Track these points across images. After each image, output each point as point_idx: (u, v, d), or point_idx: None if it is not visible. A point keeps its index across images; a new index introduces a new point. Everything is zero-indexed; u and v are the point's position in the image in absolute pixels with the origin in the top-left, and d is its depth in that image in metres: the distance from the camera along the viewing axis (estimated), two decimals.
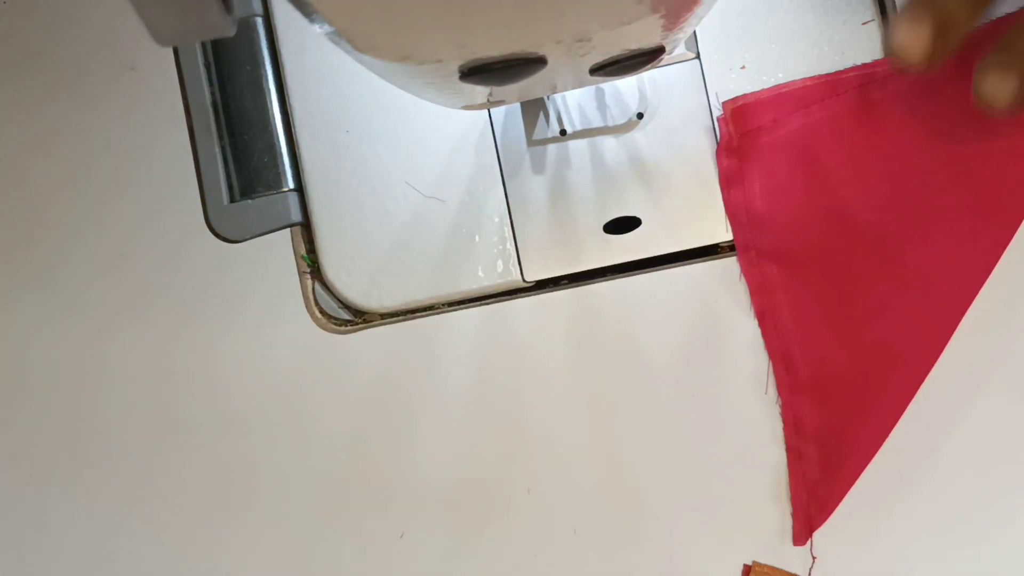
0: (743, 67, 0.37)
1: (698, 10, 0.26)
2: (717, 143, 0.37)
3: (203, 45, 0.41)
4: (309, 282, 0.39)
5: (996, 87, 0.30)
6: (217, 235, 0.39)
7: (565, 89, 0.36)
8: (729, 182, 0.36)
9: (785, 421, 0.36)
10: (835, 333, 0.35)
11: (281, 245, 0.39)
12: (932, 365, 0.34)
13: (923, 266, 0.34)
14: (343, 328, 0.39)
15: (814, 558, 0.36)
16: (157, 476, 0.39)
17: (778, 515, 0.36)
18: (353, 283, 0.38)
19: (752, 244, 0.36)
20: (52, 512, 0.39)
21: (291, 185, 0.40)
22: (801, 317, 0.36)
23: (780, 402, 0.36)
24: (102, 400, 0.39)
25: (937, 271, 0.34)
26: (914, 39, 0.29)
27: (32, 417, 0.40)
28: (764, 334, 0.36)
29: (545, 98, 0.38)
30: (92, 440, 0.39)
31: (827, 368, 0.35)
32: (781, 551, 0.36)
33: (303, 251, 0.39)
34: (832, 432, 0.35)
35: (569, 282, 0.38)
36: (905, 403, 0.35)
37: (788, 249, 0.36)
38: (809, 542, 0.36)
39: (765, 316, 0.36)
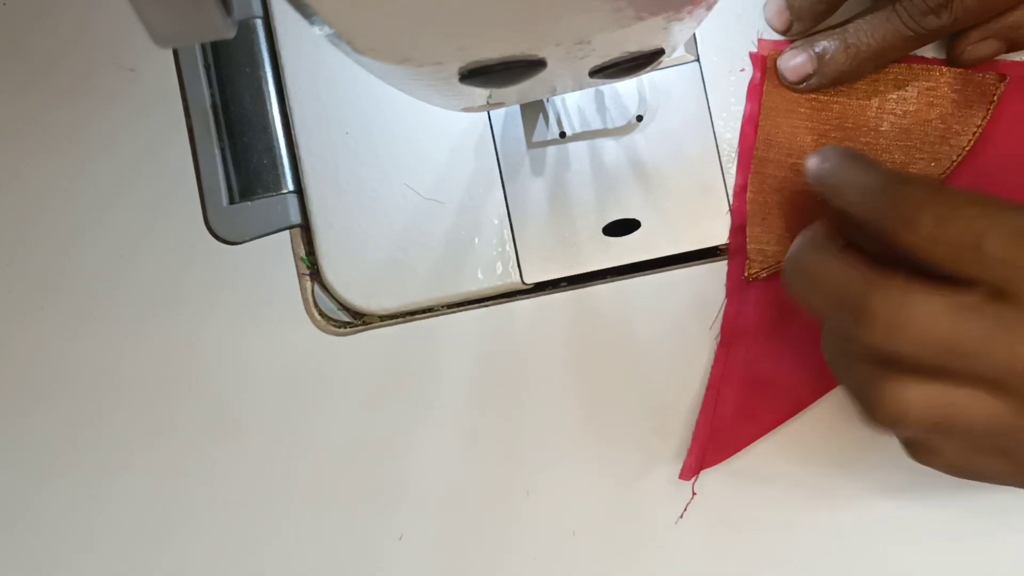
0: (742, 70, 0.37)
1: (697, 13, 0.26)
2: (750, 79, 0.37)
3: (203, 47, 0.41)
4: (308, 284, 0.39)
5: None
6: (216, 237, 0.39)
7: (564, 91, 0.36)
8: (750, 121, 0.37)
9: (716, 358, 0.36)
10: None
11: (280, 247, 0.39)
12: None
13: None
14: (342, 330, 0.39)
15: (694, 494, 0.36)
16: (156, 477, 0.39)
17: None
18: (352, 285, 0.38)
19: (749, 178, 0.37)
20: (53, 513, 0.39)
21: (290, 187, 0.40)
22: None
23: (719, 339, 0.36)
24: (102, 401, 0.39)
25: None
26: (776, 16, 0.35)
27: (31, 418, 0.39)
28: (730, 271, 0.37)
29: (544, 100, 0.38)
30: (92, 441, 0.39)
31: (772, 323, 0.36)
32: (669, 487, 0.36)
33: (302, 253, 0.39)
34: (755, 387, 0.36)
35: (568, 284, 0.38)
36: (830, 387, 0.36)
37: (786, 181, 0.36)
38: (694, 479, 0.36)
39: (735, 255, 0.37)
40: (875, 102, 0.36)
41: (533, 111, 0.38)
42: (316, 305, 0.39)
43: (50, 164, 0.40)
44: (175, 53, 0.40)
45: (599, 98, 0.38)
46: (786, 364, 0.36)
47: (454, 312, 0.38)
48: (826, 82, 0.35)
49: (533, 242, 0.38)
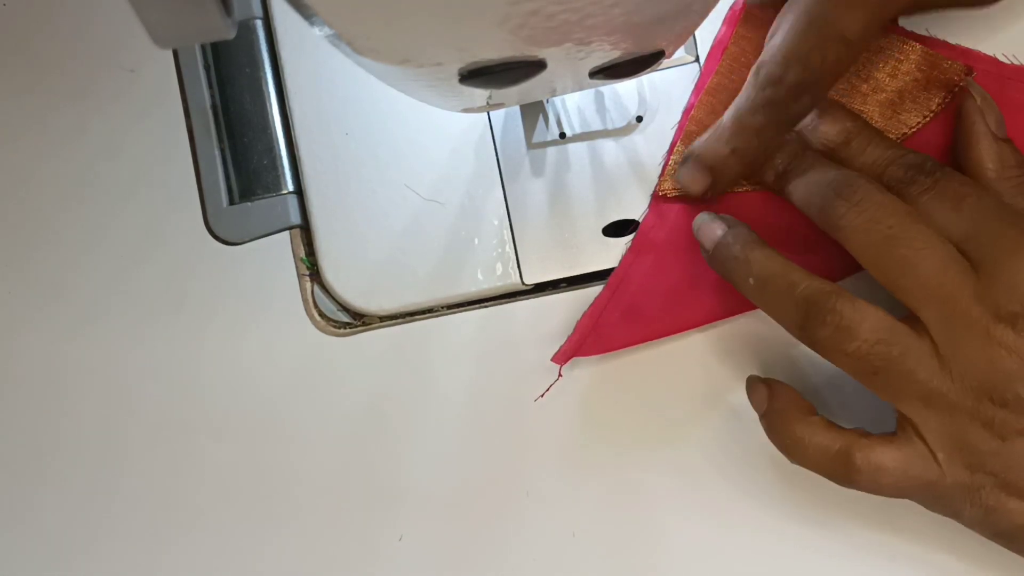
0: None
1: (697, 12, 0.26)
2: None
3: (203, 47, 0.41)
4: (308, 285, 0.39)
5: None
6: (216, 238, 0.39)
7: (564, 92, 0.36)
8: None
9: (622, 262, 0.37)
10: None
11: (280, 248, 0.39)
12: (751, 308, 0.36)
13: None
14: (342, 331, 0.39)
15: (560, 376, 0.37)
16: (155, 477, 0.39)
17: None
18: (352, 286, 0.38)
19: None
20: (55, 515, 0.39)
21: (290, 188, 0.40)
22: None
23: (628, 247, 0.37)
24: (101, 402, 0.39)
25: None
26: (692, 184, 0.35)
27: (31, 419, 0.39)
28: (654, 198, 0.37)
29: (544, 101, 0.38)
30: (92, 441, 0.39)
31: (680, 244, 0.36)
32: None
33: (302, 254, 0.39)
34: (649, 296, 0.36)
35: (568, 285, 0.38)
36: (717, 317, 0.36)
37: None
38: (562, 367, 0.37)
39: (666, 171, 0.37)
40: None
41: (533, 112, 0.38)
42: (316, 306, 0.39)
43: (50, 165, 0.40)
44: (175, 54, 0.40)
45: (599, 99, 0.38)
46: (684, 285, 0.36)
47: (454, 313, 0.38)
48: (728, 186, 0.36)
49: (533, 243, 0.38)
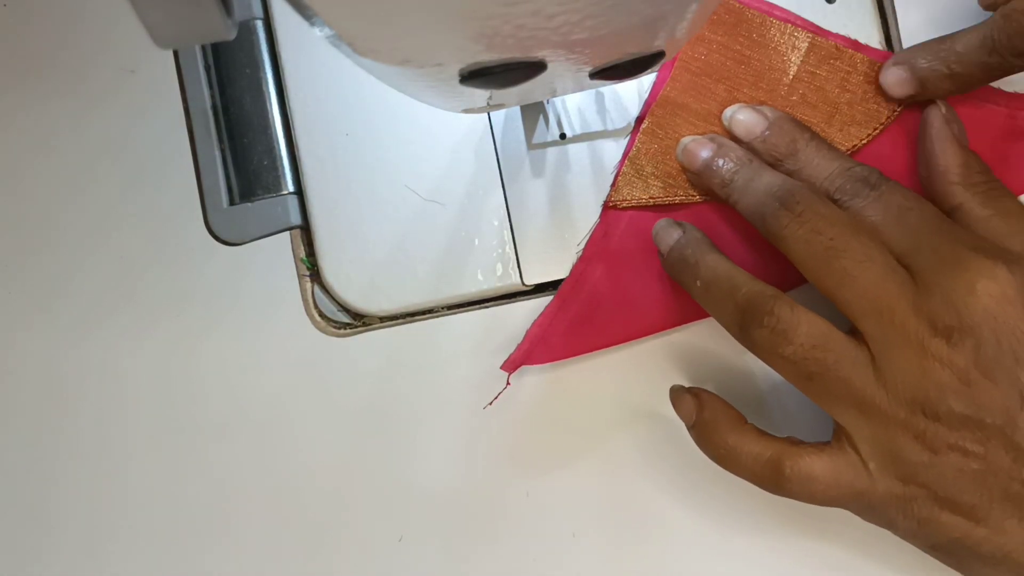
0: None
1: (697, 16, 0.26)
2: None
3: (203, 48, 0.41)
4: (308, 285, 0.39)
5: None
6: (216, 238, 0.39)
7: (565, 93, 0.36)
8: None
9: (572, 271, 0.37)
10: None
11: (280, 248, 0.39)
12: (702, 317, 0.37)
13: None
14: (342, 331, 0.39)
15: (508, 384, 0.37)
16: (155, 478, 0.39)
17: None
18: (352, 286, 0.38)
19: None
20: (56, 516, 0.39)
21: (291, 188, 0.40)
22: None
23: (580, 253, 0.37)
24: (101, 402, 0.39)
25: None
26: (897, 87, 0.35)
27: (31, 420, 0.39)
28: (610, 194, 0.37)
29: (545, 102, 0.38)
30: (90, 443, 0.39)
31: (631, 253, 0.37)
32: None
33: (302, 254, 0.39)
34: (598, 305, 0.37)
35: None
36: (666, 325, 0.37)
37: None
38: (510, 375, 0.37)
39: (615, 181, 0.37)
40: (793, 70, 0.36)
41: (533, 112, 0.38)
42: (316, 306, 0.39)
43: (50, 165, 0.40)
44: (175, 54, 0.40)
45: (599, 100, 0.38)
46: (633, 293, 0.36)
47: (454, 313, 0.38)
48: (928, 96, 0.35)
49: (533, 243, 0.38)
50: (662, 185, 0.37)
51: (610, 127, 0.38)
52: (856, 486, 0.31)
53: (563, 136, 0.38)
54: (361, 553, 0.38)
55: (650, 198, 0.37)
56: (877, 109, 0.36)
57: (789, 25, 0.36)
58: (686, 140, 0.36)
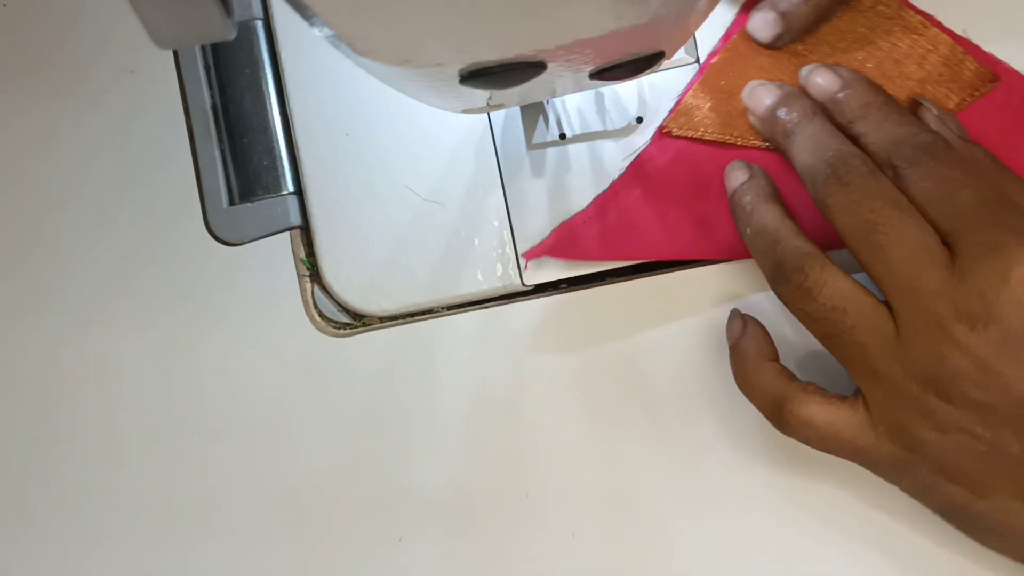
0: None
1: (697, 14, 0.26)
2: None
3: (203, 48, 0.41)
4: (308, 285, 0.39)
5: None
6: (216, 238, 0.39)
7: (565, 93, 0.36)
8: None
9: (614, 183, 0.37)
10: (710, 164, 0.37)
11: (280, 248, 0.39)
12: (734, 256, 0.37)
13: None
14: (342, 331, 0.39)
15: (527, 263, 0.37)
16: (154, 478, 0.39)
17: None
18: (352, 286, 0.38)
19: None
20: (54, 516, 0.39)
21: (290, 188, 0.40)
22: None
23: (621, 174, 0.37)
24: (100, 403, 0.39)
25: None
26: (762, 29, 0.36)
27: (30, 420, 0.39)
28: (659, 133, 0.37)
29: (545, 102, 0.38)
30: (90, 443, 0.39)
31: (673, 181, 0.37)
32: None
33: (302, 254, 0.39)
34: (630, 221, 0.37)
35: (568, 286, 0.38)
36: (693, 255, 0.37)
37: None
38: (528, 262, 0.37)
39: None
40: (876, 38, 0.36)
41: (533, 113, 0.38)
42: (316, 306, 0.39)
43: (50, 165, 0.40)
44: (175, 54, 0.40)
45: (599, 100, 0.38)
46: (670, 220, 0.37)
47: (454, 314, 0.38)
48: (797, 36, 0.36)
49: (533, 243, 0.38)
50: (720, 123, 0.36)
51: (610, 127, 0.38)
52: (858, 443, 0.32)
53: (563, 136, 0.38)
54: (361, 553, 0.38)
55: (704, 132, 0.36)
56: (948, 94, 0.36)
57: None
58: (755, 83, 0.36)
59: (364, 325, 0.39)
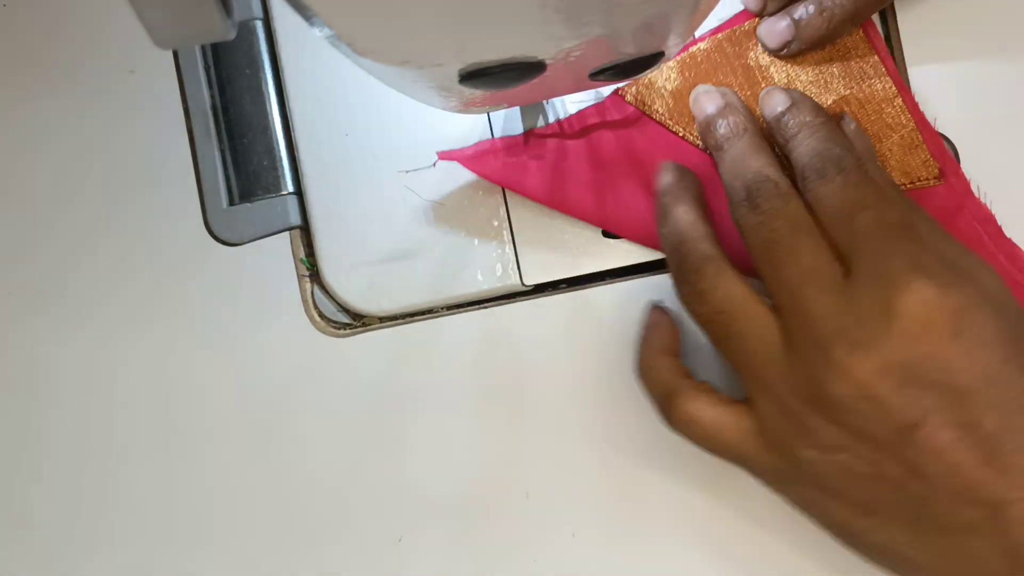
0: None
1: (696, 16, 0.26)
2: None
3: (203, 48, 0.41)
4: (308, 285, 0.39)
5: None
6: (216, 238, 0.39)
7: (564, 93, 0.36)
8: None
9: (549, 127, 0.37)
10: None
11: (280, 248, 0.39)
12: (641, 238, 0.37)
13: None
14: (342, 332, 0.39)
15: (434, 165, 0.37)
16: (154, 478, 0.39)
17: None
18: (352, 287, 0.38)
19: None
20: (53, 516, 0.39)
21: (290, 188, 0.40)
22: None
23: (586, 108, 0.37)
24: (100, 403, 0.39)
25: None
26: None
27: (29, 420, 0.39)
28: (620, 90, 0.37)
29: (544, 102, 0.38)
30: (90, 444, 0.39)
31: (612, 145, 0.37)
32: None
33: (302, 254, 0.39)
34: (550, 166, 0.37)
35: (568, 286, 0.38)
36: (592, 222, 0.37)
37: None
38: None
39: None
40: (851, 95, 0.36)
41: (533, 113, 0.38)
42: (316, 306, 0.39)
43: (49, 165, 0.40)
44: (175, 54, 0.40)
45: (599, 100, 0.38)
46: (580, 177, 0.37)
47: (454, 314, 0.38)
48: (806, 47, 0.36)
49: (533, 244, 0.38)
50: (673, 109, 0.37)
51: None
52: (741, 449, 0.32)
53: None
54: (361, 553, 0.38)
55: (654, 111, 0.37)
56: (889, 171, 0.36)
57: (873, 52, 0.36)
58: (702, 88, 0.36)
59: (364, 325, 0.39)
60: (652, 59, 0.27)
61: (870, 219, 0.30)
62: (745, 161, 0.33)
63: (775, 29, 0.36)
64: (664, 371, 0.34)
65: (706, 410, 0.33)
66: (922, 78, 0.37)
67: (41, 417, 0.39)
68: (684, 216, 0.33)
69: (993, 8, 0.37)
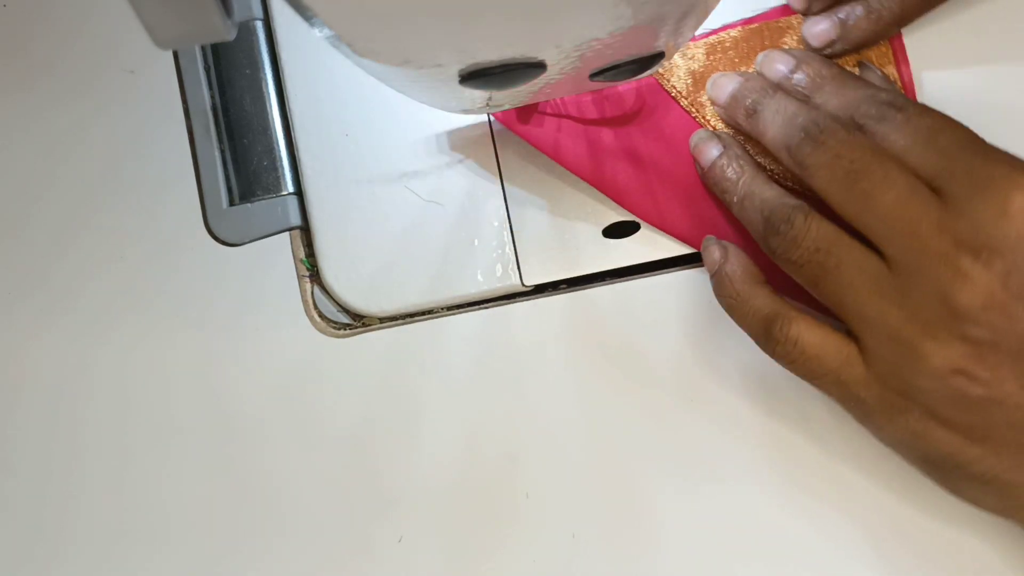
0: None
1: (696, 16, 0.26)
2: None
3: (203, 48, 0.41)
4: (308, 286, 0.39)
5: None
6: (216, 239, 0.39)
7: (565, 94, 0.36)
8: None
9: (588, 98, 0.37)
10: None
11: (280, 249, 0.39)
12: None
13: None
14: (342, 332, 0.39)
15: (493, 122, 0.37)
16: (153, 479, 0.39)
17: None
18: (352, 287, 0.38)
19: None
20: (53, 516, 0.39)
21: (290, 189, 0.40)
22: None
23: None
24: (99, 404, 0.39)
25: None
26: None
27: (29, 421, 0.39)
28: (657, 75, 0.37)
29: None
30: (89, 444, 0.39)
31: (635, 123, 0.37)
32: None
33: (302, 255, 0.39)
34: (583, 139, 0.37)
35: (568, 286, 0.38)
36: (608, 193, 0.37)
37: None
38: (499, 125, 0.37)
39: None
40: None
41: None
42: (316, 307, 0.39)
43: (49, 166, 0.40)
44: (175, 55, 0.40)
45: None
46: (602, 145, 0.37)
47: (454, 314, 0.38)
48: (849, 48, 0.36)
49: (533, 244, 0.38)
50: (688, 87, 0.37)
51: None
52: (843, 375, 0.31)
53: None
54: (360, 554, 0.38)
55: (672, 87, 0.37)
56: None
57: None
58: (717, 75, 0.36)
59: (364, 326, 0.39)
60: (652, 60, 0.27)
61: (951, 137, 0.30)
62: (789, 109, 0.33)
63: (820, 29, 0.35)
64: (761, 297, 0.33)
65: (811, 330, 0.32)
66: (933, 84, 0.37)
67: (41, 417, 0.39)
68: (755, 181, 0.34)
69: (1000, 15, 0.37)
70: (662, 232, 0.37)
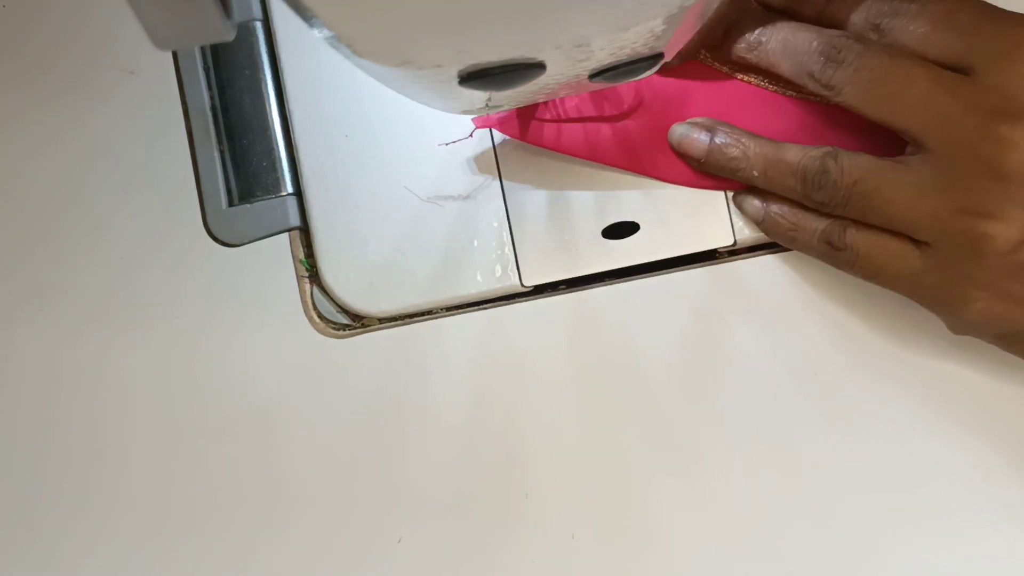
0: None
1: (697, 18, 0.26)
2: None
3: (202, 49, 0.41)
4: (307, 286, 0.39)
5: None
6: (216, 239, 0.39)
7: (564, 94, 0.36)
8: None
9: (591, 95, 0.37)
10: None
11: (280, 249, 0.39)
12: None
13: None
14: (341, 333, 0.39)
15: (472, 135, 0.37)
16: (153, 480, 0.39)
17: None
18: (351, 287, 0.38)
19: None
20: (53, 517, 0.39)
21: (290, 189, 0.40)
22: None
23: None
24: (99, 404, 0.39)
25: None
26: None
27: (29, 421, 0.39)
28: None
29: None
30: (90, 444, 0.39)
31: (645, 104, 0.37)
32: None
33: (302, 255, 0.39)
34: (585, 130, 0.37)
35: (568, 287, 0.38)
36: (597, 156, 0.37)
37: None
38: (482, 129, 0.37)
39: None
40: None
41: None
42: (315, 307, 0.39)
43: (48, 166, 0.40)
44: (175, 55, 0.40)
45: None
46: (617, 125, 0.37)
47: (453, 315, 0.38)
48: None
49: (532, 245, 0.38)
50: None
51: None
52: (903, 269, 0.32)
53: None
54: (360, 555, 0.38)
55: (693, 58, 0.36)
56: None
57: None
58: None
59: (363, 326, 0.39)
60: (652, 60, 0.27)
61: (969, 14, 0.30)
62: (799, 36, 0.33)
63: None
64: (813, 220, 0.34)
65: (864, 232, 0.32)
66: None
67: (41, 417, 0.39)
68: (765, 149, 0.34)
69: None
70: (663, 229, 0.37)
